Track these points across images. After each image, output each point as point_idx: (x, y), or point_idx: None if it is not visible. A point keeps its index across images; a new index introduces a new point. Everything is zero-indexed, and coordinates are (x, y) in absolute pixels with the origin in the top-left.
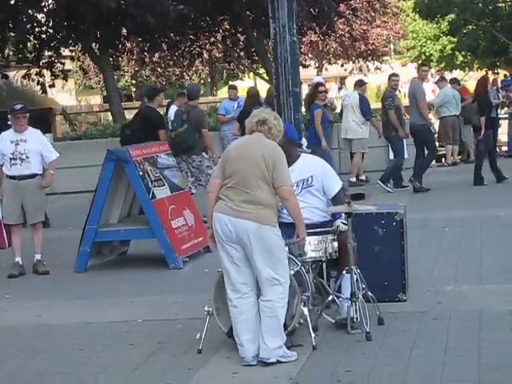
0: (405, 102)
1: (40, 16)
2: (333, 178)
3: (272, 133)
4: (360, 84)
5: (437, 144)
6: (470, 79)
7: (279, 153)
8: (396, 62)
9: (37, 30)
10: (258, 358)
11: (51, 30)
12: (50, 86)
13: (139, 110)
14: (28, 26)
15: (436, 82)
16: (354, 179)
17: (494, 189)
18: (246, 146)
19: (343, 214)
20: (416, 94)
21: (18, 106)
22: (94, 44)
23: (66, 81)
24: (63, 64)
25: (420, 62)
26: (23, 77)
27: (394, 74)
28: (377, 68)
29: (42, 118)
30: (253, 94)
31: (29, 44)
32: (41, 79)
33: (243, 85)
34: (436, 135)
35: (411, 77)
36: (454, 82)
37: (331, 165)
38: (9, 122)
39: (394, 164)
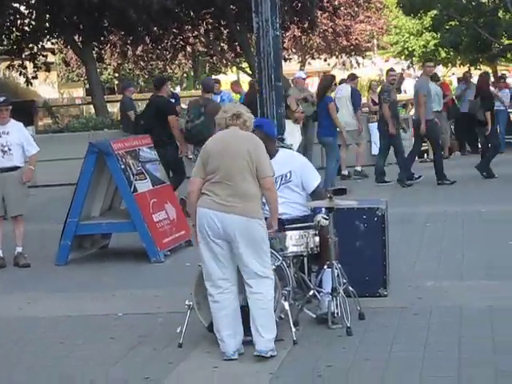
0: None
1: (22, 8)
2: (312, 173)
3: (247, 125)
4: (352, 77)
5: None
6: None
7: (260, 144)
8: (378, 58)
9: (19, 22)
10: (257, 352)
11: (33, 23)
12: (33, 78)
13: (150, 99)
14: (11, 17)
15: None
16: (359, 168)
17: (476, 185)
18: (227, 140)
19: (323, 209)
20: (419, 90)
21: (1, 99)
22: (76, 36)
23: (49, 72)
24: (45, 56)
25: (403, 57)
26: (7, 67)
27: (391, 69)
28: (357, 63)
29: (25, 111)
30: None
31: (11, 36)
32: (24, 71)
33: (226, 79)
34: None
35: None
36: (433, 77)
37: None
38: None
39: (400, 160)
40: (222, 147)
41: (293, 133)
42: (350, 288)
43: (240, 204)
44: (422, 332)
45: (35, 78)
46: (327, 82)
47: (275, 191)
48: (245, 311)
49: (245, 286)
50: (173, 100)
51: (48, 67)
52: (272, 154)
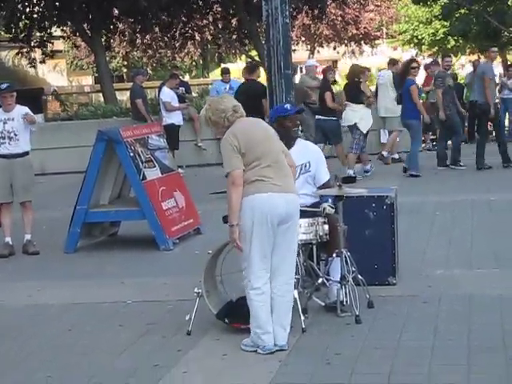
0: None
1: None
2: (325, 167)
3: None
4: (393, 62)
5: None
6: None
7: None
8: (383, 46)
9: (28, 9)
10: (278, 346)
11: (43, 10)
12: (41, 62)
13: (243, 83)
14: (20, 5)
15: (426, 67)
16: (385, 153)
17: (486, 173)
18: (257, 128)
19: (329, 199)
20: (486, 74)
21: (4, 86)
22: (85, 25)
23: (53, 58)
24: (52, 43)
25: (412, 45)
26: (17, 54)
27: (447, 55)
28: (361, 52)
29: (33, 98)
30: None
31: (20, 23)
32: (32, 55)
33: (235, 67)
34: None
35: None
36: (393, 63)
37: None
38: None
39: (454, 144)
40: (259, 134)
41: (365, 117)
42: (359, 276)
43: (290, 183)
44: (432, 320)
45: (43, 62)
46: (407, 64)
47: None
48: (240, 304)
49: (273, 277)
50: (183, 88)
51: (53, 55)
52: (291, 143)
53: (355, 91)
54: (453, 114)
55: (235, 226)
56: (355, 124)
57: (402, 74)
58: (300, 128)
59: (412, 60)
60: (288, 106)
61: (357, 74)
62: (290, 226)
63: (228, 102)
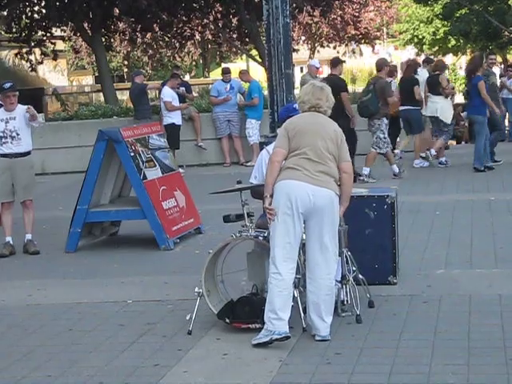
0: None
1: None
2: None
3: (327, 113)
4: (428, 61)
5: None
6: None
7: (341, 131)
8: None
9: (28, 9)
10: (320, 337)
11: (43, 10)
12: (39, 63)
13: (325, 78)
14: (21, 5)
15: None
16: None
17: (485, 173)
18: (316, 122)
19: None
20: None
21: (8, 85)
22: (86, 24)
23: (56, 60)
24: (54, 44)
25: (412, 45)
26: (15, 55)
27: (491, 53)
28: (354, 52)
29: (34, 98)
30: (411, 64)
31: (21, 23)
32: (31, 57)
33: (235, 67)
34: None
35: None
36: (428, 61)
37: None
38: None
39: (490, 140)
40: (312, 127)
41: (445, 109)
42: (360, 276)
43: (328, 180)
44: (432, 320)
45: (41, 63)
46: (476, 61)
47: (352, 175)
48: (251, 300)
49: (310, 270)
50: (183, 88)
51: (55, 55)
52: None
53: (435, 83)
54: (495, 112)
55: (267, 197)
56: (437, 117)
57: (470, 71)
58: None
59: (480, 57)
60: (296, 105)
61: (439, 68)
62: (323, 220)
63: (314, 99)
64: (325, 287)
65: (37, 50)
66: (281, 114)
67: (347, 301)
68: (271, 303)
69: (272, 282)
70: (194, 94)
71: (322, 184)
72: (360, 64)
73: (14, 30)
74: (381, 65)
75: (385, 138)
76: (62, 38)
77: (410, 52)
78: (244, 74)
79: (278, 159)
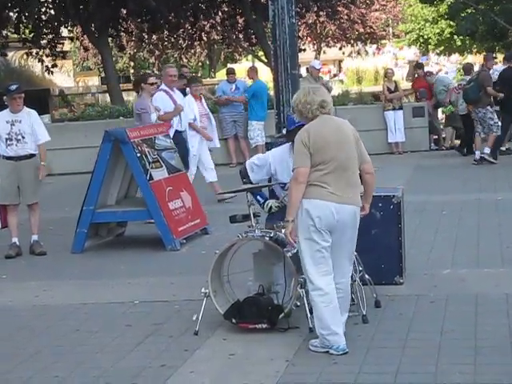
0: (404, 85)
1: None
2: None
3: (331, 111)
4: (508, 58)
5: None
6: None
7: (356, 131)
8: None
9: (36, 9)
10: None
11: (52, 11)
12: (53, 66)
13: (504, 70)
14: (34, 7)
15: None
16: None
17: (492, 173)
18: (334, 131)
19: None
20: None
21: (14, 87)
22: (92, 25)
23: (65, 59)
24: (62, 44)
25: (418, 44)
26: (26, 54)
27: None
28: (359, 53)
29: (40, 99)
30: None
31: (29, 25)
32: (45, 59)
33: (241, 67)
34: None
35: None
36: (420, 67)
37: None
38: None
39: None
40: (332, 135)
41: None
42: (366, 276)
43: (351, 194)
44: (438, 320)
45: (55, 66)
46: None
47: (374, 175)
48: (258, 300)
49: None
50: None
51: (65, 55)
52: None
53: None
54: None
55: (290, 222)
56: None
57: None
58: None
59: None
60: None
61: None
62: (344, 234)
63: (318, 96)
64: (339, 291)
65: (46, 51)
66: (289, 123)
67: (354, 301)
68: (321, 320)
69: (315, 300)
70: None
71: (346, 201)
72: (365, 64)
73: (21, 31)
74: (488, 57)
75: (495, 122)
76: (71, 39)
77: (413, 52)
78: (251, 71)
79: (303, 180)
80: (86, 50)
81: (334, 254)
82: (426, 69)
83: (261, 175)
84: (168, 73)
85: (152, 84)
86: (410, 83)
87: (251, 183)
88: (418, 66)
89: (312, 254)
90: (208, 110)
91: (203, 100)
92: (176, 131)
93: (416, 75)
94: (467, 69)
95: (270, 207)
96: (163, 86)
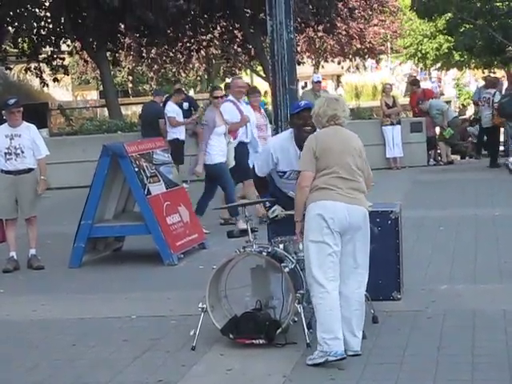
0: (402, 100)
1: (38, 11)
2: None
3: (344, 123)
4: None
5: None
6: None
7: (362, 144)
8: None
9: (35, 24)
10: (352, 352)
11: (50, 26)
12: (55, 81)
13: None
14: (32, 21)
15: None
16: None
17: (489, 188)
18: (341, 138)
19: None
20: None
21: (12, 101)
22: (91, 39)
23: (68, 75)
24: (62, 59)
25: (415, 59)
26: (25, 70)
27: None
28: (357, 68)
29: (38, 113)
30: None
31: (27, 39)
32: (39, 73)
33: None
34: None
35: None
36: (415, 83)
37: None
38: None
39: None
40: (339, 143)
41: None
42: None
43: (359, 197)
44: (436, 335)
45: (56, 80)
46: None
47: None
48: (255, 315)
49: (340, 286)
50: (187, 104)
51: (66, 70)
52: None
53: None
54: None
55: (299, 222)
56: None
57: None
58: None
59: None
60: (302, 102)
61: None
62: (355, 237)
63: (330, 109)
64: (355, 302)
65: (45, 66)
66: (292, 110)
67: None
68: (323, 324)
69: (321, 303)
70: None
71: (355, 202)
72: (362, 79)
73: (20, 45)
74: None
75: None
76: (70, 53)
77: (409, 67)
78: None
79: (307, 184)
80: (86, 62)
81: (348, 261)
82: (424, 84)
83: (267, 168)
84: (236, 84)
85: (217, 97)
86: (409, 98)
87: (261, 184)
88: (413, 82)
89: (322, 258)
90: (267, 121)
91: (262, 110)
92: (240, 142)
93: (412, 91)
94: (491, 82)
95: (276, 214)
96: (231, 97)
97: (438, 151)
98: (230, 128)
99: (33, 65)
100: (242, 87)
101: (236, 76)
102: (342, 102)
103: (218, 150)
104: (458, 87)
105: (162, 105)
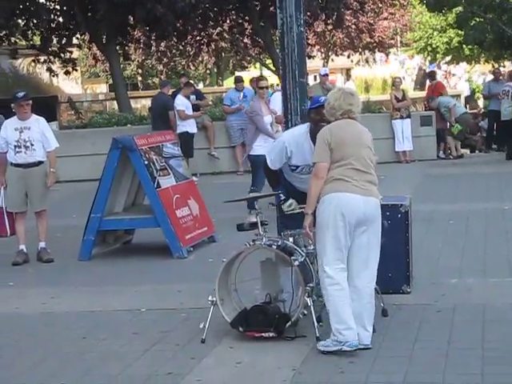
0: (412, 94)
1: (48, 4)
2: None
3: (356, 117)
4: None
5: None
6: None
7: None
8: (403, 55)
9: (44, 17)
10: (363, 345)
11: (60, 19)
12: (66, 73)
13: None
14: (42, 15)
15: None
16: None
17: (499, 182)
18: (355, 131)
19: None
20: None
21: (21, 94)
22: (100, 32)
23: (76, 70)
24: (71, 52)
25: (426, 53)
26: (33, 61)
27: None
28: (367, 61)
29: (48, 106)
30: None
31: (37, 32)
32: (52, 66)
33: (249, 75)
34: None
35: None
36: (431, 75)
37: None
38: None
39: None
40: (353, 137)
41: None
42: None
43: (374, 190)
44: (445, 329)
45: (68, 73)
46: None
47: None
48: (265, 309)
49: (353, 279)
50: (193, 97)
51: (75, 63)
52: None
53: None
54: None
55: (310, 215)
56: None
57: None
58: None
59: None
60: (322, 98)
61: None
62: (369, 229)
63: (345, 104)
64: (366, 295)
65: (54, 59)
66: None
67: None
68: (337, 315)
69: (334, 294)
70: (209, 102)
71: (370, 194)
72: (372, 73)
73: (30, 38)
74: None
75: None
76: (79, 46)
77: (418, 61)
78: (254, 81)
79: (323, 175)
80: (95, 59)
81: (361, 254)
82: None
83: (279, 162)
84: (260, 85)
85: (262, 88)
86: (418, 91)
87: (273, 177)
88: (429, 74)
89: (334, 250)
90: None
91: None
92: None
93: (429, 84)
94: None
95: (292, 208)
96: (277, 92)
97: (448, 146)
98: (279, 118)
99: (42, 58)
100: (265, 87)
101: (259, 77)
102: (357, 97)
103: (263, 142)
104: (469, 80)
105: (171, 97)
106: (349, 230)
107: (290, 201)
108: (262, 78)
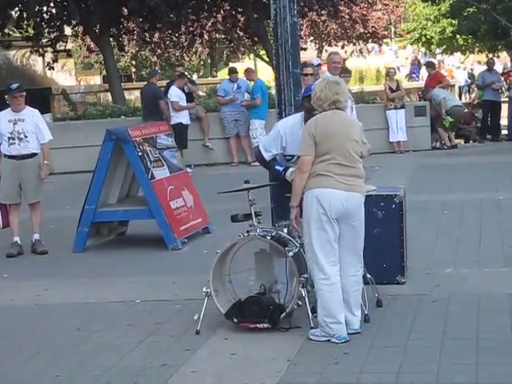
0: (406, 84)
1: None
2: None
3: (344, 108)
4: None
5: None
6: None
7: (361, 127)
8: (395, 45)
9: (37, 8)
10: (353, 330)
11: (53, 10)
12: (54, 61)
13: None
14: (35, 5)
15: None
16: None
17: (494, 172)
18: (340, 123)
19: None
20: None
21: (15, 86)
22: (93, 24)
23: (71, 57)
24: (65, 42)
25: (420, 44)
26: (30, 52)
27: None
28: (361, 52)
29: (42, 98)
30: None
31: (30, 23)
32: (46, 58)
33: (242, 66)
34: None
35: (410, 59)
36: (430, 65)
37: None
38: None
39: None
40: (339, 128)
41: None
42: (368, 275)
43: (358, 183)
44: (440, 319)
45: (56, 61)
46: None
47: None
48: (259, 300)
49: (341, 268)
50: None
51: (69, 54)
52: None
53: None
54: None
55: (295, 207)
56: None
57: None
58: None
59: None
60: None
61: None
62: (352, 223)
63: (332, 93)
64: (353, 283)
65: (48, 50)
66: (305, 92)
67: None
68: (326, 309)
69: (322, 288)
70: (202, 94)
71: (353, 189)
72: (366, 63)
73: (24, 29)
74: None
75: None
76: (75, 36)
77: (411, 51)
78: (249, 73)
79: (306, 169)
80: (89, 50)
81: (345, 247)
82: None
83: (275, 151)
84: (332, 59)
85: (306, 75)
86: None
87: (267, 164)
88: (428, 64)
89: (322, 244)
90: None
91: None
92: None
93: (428, 74)
94: None
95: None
96: (327, 73)
97: (441, 137)
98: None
99: (36, 49)
100: (337, 63)
101: (332, 52)
102: (342, 85)
103: None
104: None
105: (165, 88)
106: (332, 225)
107: (292, 169)
108: (306, 64)
